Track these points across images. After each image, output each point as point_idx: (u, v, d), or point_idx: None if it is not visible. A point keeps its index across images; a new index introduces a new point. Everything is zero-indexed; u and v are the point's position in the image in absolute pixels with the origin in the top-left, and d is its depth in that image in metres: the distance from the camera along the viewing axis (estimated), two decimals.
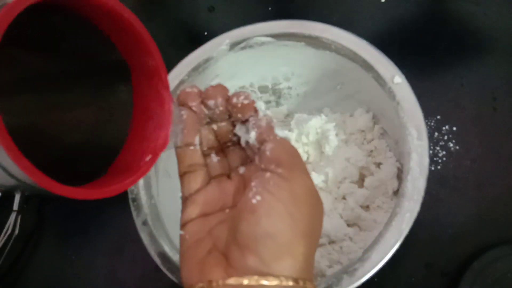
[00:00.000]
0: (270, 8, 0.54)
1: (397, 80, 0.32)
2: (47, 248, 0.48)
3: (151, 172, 0.35)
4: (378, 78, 0.33)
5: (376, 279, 0.37)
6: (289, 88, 0.43)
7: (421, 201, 0.29)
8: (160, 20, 0.57)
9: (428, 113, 0.43)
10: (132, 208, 0.33)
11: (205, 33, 0.55)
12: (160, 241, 0.32)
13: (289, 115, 0.44)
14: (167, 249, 0.32)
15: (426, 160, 0.30)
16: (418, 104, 0.32)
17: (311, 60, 0.38)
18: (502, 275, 0.35)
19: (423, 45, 0.46)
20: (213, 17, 0.56)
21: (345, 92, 0.40)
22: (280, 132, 0.27)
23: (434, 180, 0.40)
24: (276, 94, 0.44)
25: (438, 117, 0.42)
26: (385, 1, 0.50)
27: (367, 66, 0.34)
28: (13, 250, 0.47)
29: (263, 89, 0.43)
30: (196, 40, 0.56)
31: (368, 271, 0.28)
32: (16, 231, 0.47)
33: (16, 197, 0.48)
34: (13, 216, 0.48)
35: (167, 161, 0.38)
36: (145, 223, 0.33)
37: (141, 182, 0.34)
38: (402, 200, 0.29)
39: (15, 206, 0.48)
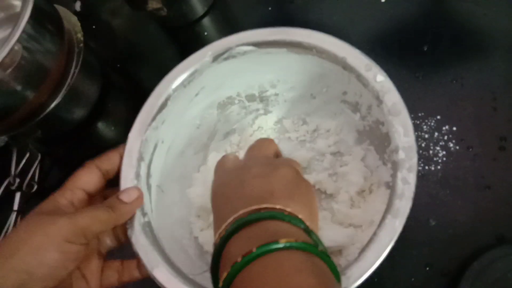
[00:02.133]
0: (270, 8, 0.54)
1: (380, 78, 0.32)
2: None
3: (143, 189, 0.35)
4: (361, 78, 0.33)
5: (376, 279, 0.37)
6: (276, 94, 0.43)
7: (413, 196, 0.29)
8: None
9: (428, 113, 0.43)
10: (127, 226, 0.33)
11: (205, 33, 0.55)
12: (157, 257, 0.32)
13: (278, 122, 0.44)
14: (163, 266, 0.31)
15: (414, 156, 0.30)
16: (402, 101, 0.31)
17: (295, 66, 0.38)
18: (502, 275, 0.35)
19: (423, 45, 0.46)
20: (213, 17, 0.56)
21: (331, 94, 0.40)
22: None
23: (434, 180, 0.40)
24: (264, 101, 0.43)
25: (438, 117, 0.42)
26: (385, 1, 0.50)
27: (348, 67, 0.34)
28: None
29: (250, 98, 0.43)
30: (196, 40, 0.56)
31: (364, 272, 0.27)
32: None
33: (16, 197, 0.49)
34: (13, 216, 0.48)
35: (160, 177, 0.38)
36: (139, 241, 0.32)
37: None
38: (393, 197, 0.29)
39: (15, 206, 0.48)
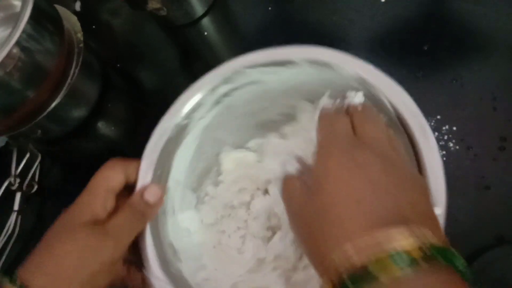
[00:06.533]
0: (270, 8, 0.54)
1: (437, 212, 0.30)
2: None
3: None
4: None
5: None
6: None
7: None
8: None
9: (428, 113, 0.43)
10: None
11: (205, 33, 0.55)
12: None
13: None
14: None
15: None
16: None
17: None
18: (502, 275, 0.35)
19: (423, 45, 0.46)
20: (213, 17, 0.56)
21: None
22: None
23: None
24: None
25: (438, 117, 0.42)
26: (385, 1, 0.50)
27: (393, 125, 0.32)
28: (13, 250, 0.47)
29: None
30: (196, 40, 0.56)
31: None
32: (16, 231, 0.47)
33: (16, 197, 0.49)
34: (13, 216, 0.48)
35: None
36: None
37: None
38: None
39: (15, 206, 0.48)
